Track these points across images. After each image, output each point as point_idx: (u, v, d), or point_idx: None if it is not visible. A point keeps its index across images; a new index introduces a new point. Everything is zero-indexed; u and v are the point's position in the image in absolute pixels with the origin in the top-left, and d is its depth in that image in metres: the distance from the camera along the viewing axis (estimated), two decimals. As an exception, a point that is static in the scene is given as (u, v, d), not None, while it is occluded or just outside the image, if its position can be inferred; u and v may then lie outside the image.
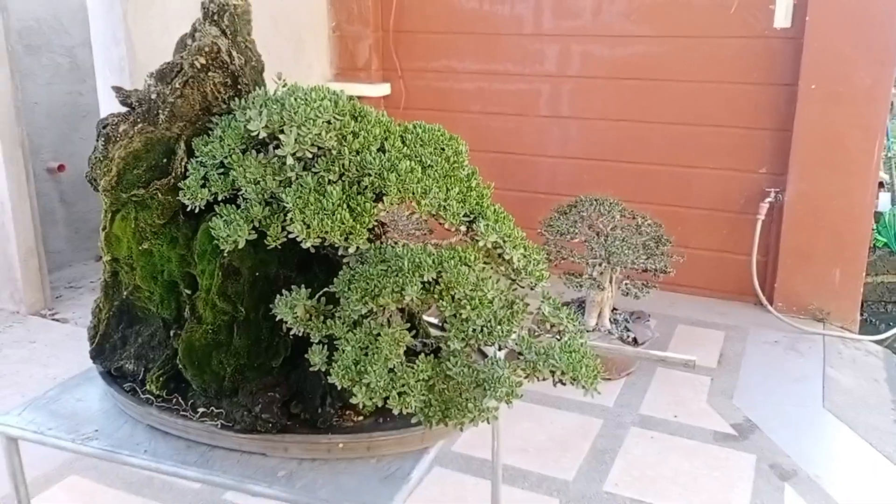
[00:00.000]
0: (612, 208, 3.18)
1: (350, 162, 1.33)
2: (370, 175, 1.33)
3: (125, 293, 1.54)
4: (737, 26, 3.67)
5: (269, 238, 1.30)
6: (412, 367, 1.24)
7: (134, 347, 1.56)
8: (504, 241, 1.35)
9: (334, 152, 1.34)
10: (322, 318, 1.31)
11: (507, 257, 1.36)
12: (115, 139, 1.41)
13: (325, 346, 1.29)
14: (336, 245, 1.29)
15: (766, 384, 3.14)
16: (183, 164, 1.41)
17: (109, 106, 3.31)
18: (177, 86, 1.38)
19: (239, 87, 1.45)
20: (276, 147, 1.38)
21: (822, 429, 2.84)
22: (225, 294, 1.41)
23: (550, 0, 4.00)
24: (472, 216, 1.39)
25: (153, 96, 1.41)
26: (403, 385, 1.22)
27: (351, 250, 1.29)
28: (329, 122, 1.33)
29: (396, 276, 1.26)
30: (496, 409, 1.22)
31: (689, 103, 3.85)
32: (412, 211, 1.35)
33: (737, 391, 3.04)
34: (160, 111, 1.40)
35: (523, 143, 4.24)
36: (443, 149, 1.47)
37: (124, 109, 1.49)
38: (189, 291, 1.49)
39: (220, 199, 1.37)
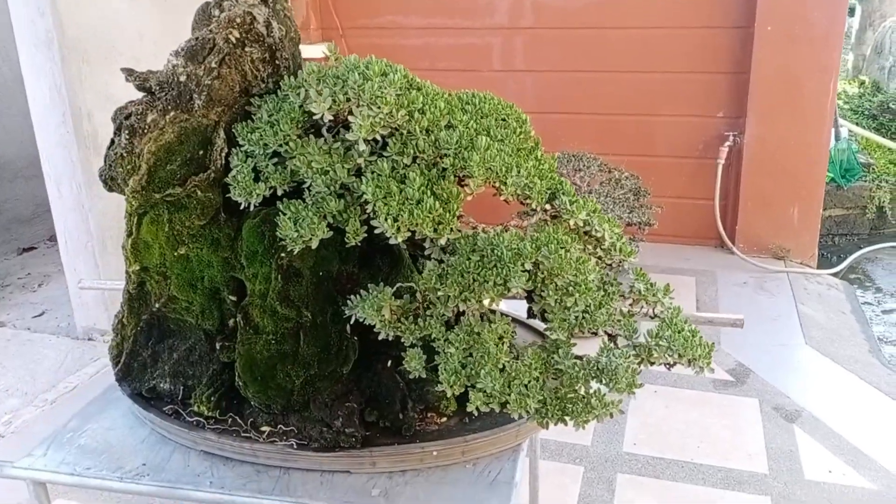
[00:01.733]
0: (591, 164, 3.12)
1: (423, 142, 1.19)
2: (448, 155, 1.19)
3: (156, 305, 1.36)
4: (690, -30, 3.64)
5: (348, 235, 1.16)
6: (525, 365, 1.13)
7: (168, 364, 1.38)
8: (592, 217, 1.25)
9: (405, 132, 1.19)
10: (413, 318, 1.18)
11: (596, 234, 1.27)
12: (141, 131, 1.22)
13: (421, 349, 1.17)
14: (423, 238, 1.16)
15: (747, 326, 3.20)
16: (223, 154, 1.23)
17: (36, 84, 2.98)
18: (213, 65, 1.20)
19: (277, 62, 1.27)
20: (335, 131, 1.22)
21: (810, 366, 2.92)
22: (287, 299, 1.25)
23: (499, -51, 3.85)
24: (552, 192, 1.28)
25: (182, 78, 1.21)
26: (519, 386, 1.12)
27: (441, 241, 1.16)
28: (397, 98, 1.18)
29: (496, 266, 1.14)
30: (620, 402, 1.14)
31: (645, 51, 3.82)
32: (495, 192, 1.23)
33: (722, 336, 3.08)
34: (194, 95, 1.21)
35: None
36: (504, 119, 1.35)
37: (134, 95, 1.28)
38: (234, 298, 1.33)
39: (278, 193, 1.20)
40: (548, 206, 1.25)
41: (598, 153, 3.39)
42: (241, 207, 1.21)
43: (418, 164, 1.19)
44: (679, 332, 1.21)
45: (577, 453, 2.41)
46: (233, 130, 1.23)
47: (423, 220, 1.13)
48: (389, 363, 1.35)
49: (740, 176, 3.84)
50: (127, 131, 1.22)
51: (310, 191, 1.19)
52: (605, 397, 1.14)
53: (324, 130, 1.21)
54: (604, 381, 1.15)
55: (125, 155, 1.24)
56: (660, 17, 3.75)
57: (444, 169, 1.19)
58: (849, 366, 2.93)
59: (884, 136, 4.73)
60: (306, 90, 1.18)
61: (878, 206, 4.33)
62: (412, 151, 1.19)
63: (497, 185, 1.22)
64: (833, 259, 4.15)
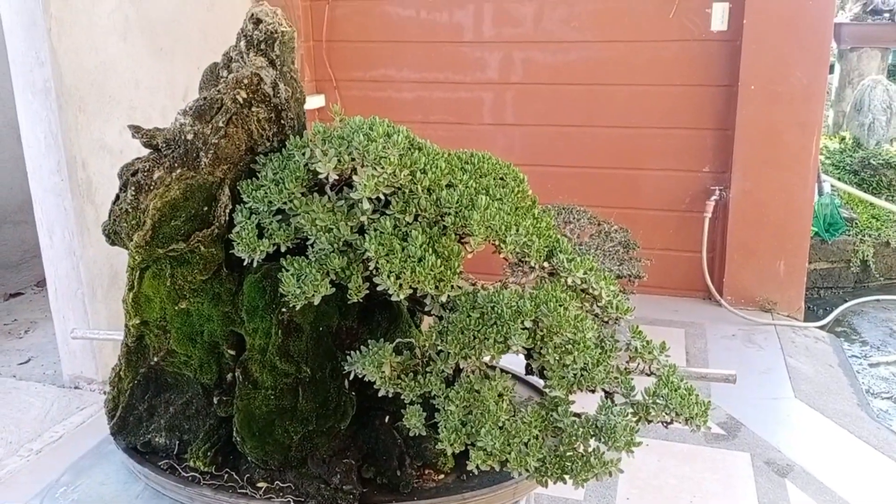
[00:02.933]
0: (581, 216, 3.16)
1: (425, 201, 1.22)
2: (449, 214, 1.22)
3: (154, 359, 1.36)
4: (675, 30, 3.75)
5: (350, 292, 1.17)
6: (525, 423, 1.14)
7: (164, 418, 1.38)
8: (589, 275, 1.28)
9: (407, 191, 1.22)
10: (413, 374, 1.19)
11: (593, 292, 1.29)
12: (147, 188, 1.24)
13: (420, 406, 1.17)
14: (424, 294, 1.18)
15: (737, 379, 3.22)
16: (227, 211, 1.25)
17: (31, 132, 3.00)
18: (220, 124, 1.22)
19: (283, 122, 1.30)
20: (338, 189, 1.25)
21: (800, 419, 2.93)
22: (287, 354, 1.26)
23: (491, 7, 3.95)
24: (550, 250, 1.30)
25: (189, 137, 1.24)
26: (519, 444, 1.12)
27: (443, 299, 1.18)
28: (400, 159, 1.21)
29: (496, 324, 1.16)
30: (619, 460, 1.14)
31: (632, 106, 3.91)
32: (495, 251, 1.25)
33: (713, 389, 3.09)
34: (200, 153, 1.23)
35: (470, 147, 4.17)
36: (502, 178, 1.39)
37: (143, 151, 1.31)
38: (233, 352, 1.33)
39: (281, 249, 1.22)
40: (546, 264, 1.28)
41: (585, 205, 3.44)
42: (245, 263, 1.22)
43: (420, 223, 1.22)
44: (676, 391, 1.23)
45: (570, 508, 2.39)
46: (237, 188, 1.26)
47: (425, 277, 1.15)
48: (387, 419, 1.35)
49: (727, 229, 3.90)
50: (133, 187, 1.24)
51: (313, 247, 1.21)
52: (603, 455, 1.15)
53: (327, 189, 1.24)
54: (602, 440, 1.16)
55: (130, 210, 1.25)
56: (646, 75, 3.85)
57: (445, 227, 1.22)
58: (838, 419, 2.94)
59: (865, 192, 4.83)
60: (311, 150, 1.21)
61: (862, 259, 4.40)
62: (414, 210, 1.21)
63: (497, 242, 1.24)
64: (819, 312, 4.20)
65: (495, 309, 1.17)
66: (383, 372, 1.18)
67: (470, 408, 1.15)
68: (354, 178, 1.19)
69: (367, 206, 1.18)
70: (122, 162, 1.30)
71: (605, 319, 1.33)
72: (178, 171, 1.23)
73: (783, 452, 2.67)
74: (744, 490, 2.50)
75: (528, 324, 1.17)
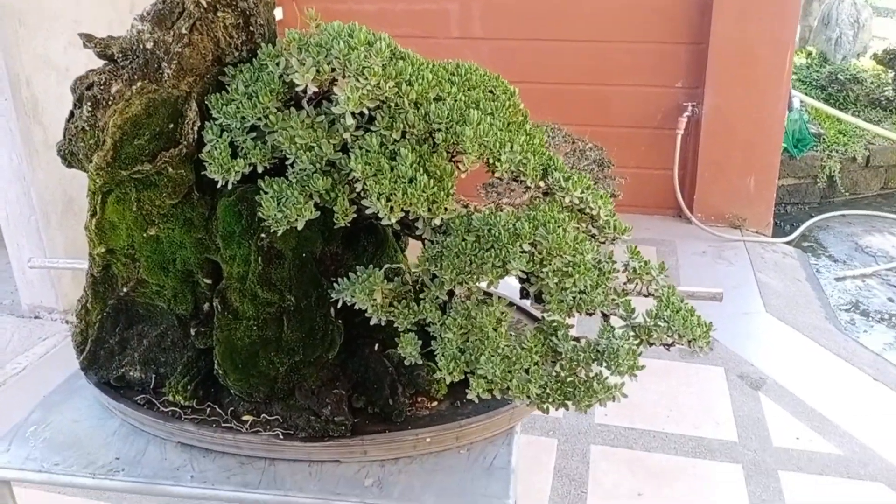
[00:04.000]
0: (556, 134, 3.08)
1: (413, 115, 1.12)
2: (440, 130, 1.13)
3: (124, 290, 1.27)
4: (651, -63, 3.60)
5: (336, 216, 1.09)
6: (525, 349, 1.09)
7: (138, 352, 1.30)
8: (587, 194, 1.21)
9: (393, 105, 1.13)
10: (405, 301, 1.13)
11: (591, 212, 1.23)
12: (105, 103, 1.12)
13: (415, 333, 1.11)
14: (416, 218, 1.10)
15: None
16: (195, 128, 1.15)
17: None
18: (182, 31, 1.10)
19: (252, 29, 1.18)
20: (317, 103, 1.14)
21: (771, 333, 2.97)
22: (269, 282, 1.18)
23: (458, -89, 3.74)
24: (545, 169, 1.23)
25: (149, 45, 1.12)
26: (520, 371, 1.08)
27: (436, 222, 1.10)
28: (384, 69, 1.11)
29: (493, 248, 1.09)
30: (622, 385, 1.11)
31: (604, 20, 3.78)
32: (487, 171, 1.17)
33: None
34: (162, 64, 1.11)
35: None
36: (491, 91, 1.29)
37: (98, 63, 1.18)
38: (209, 281, 1.25)
39: (258, 170, 1.12)
40: (541, 183, 1.21)
41: (556, 122, 3.35)
42: (218, 186, 1.13)
43: (408, 140, 1.13)
44: (677, 312, 1.18)
45: (549, 426, 2.40)
46: (206, 102, 1.15)
47: (417, 199, 1.07)
48: (377, 347, 1.29)
49: (698, 146, 3.86)
50: (89, 103, 1.12)
51: (293, 168, 1.11)
52: (606, 380, 1.11)
53: (305, 103, 1.13)
54: (605, 364, 1.12)
55: (87, 129, 1.14)
56: (620, -15, 3.71)
57: (436, 144, 1.13)
58: (808, 332, 2.99)
59: (832, 107, 4.81)
60: (286, 59, 1.10)
61: (829, 175, 4.42)
62: (401, 126, 1.12)
63: (490, 161, 1.16)
64: (786, 228, 4.23)
65: (492, 231, 1.10)
66: (375, 300, 1.11)
67: (467, 335, 1.09)
68: (335, 90, 1.08)
69: (350, 121, 1.08)
70: (70, 80, 1.17)
71: (603, 240, 1.27)
72: (139, 83, 1.11)
73: (756, 366, 2.70)
74: (719, 404, 2.53)
75: (526, 247, 1.11)
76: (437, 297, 1.12)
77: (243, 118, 1.11)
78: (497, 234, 1.10)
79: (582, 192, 1.20)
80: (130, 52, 1.15)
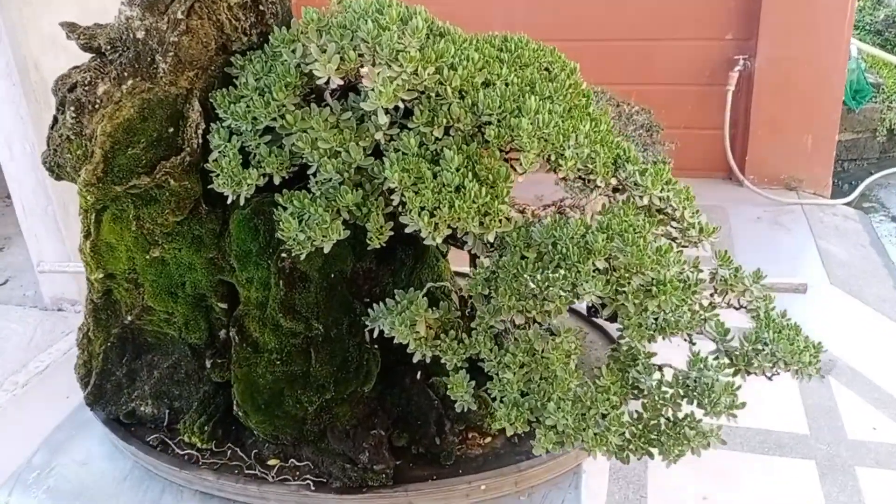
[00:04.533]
0: (599, 98, 2.84)
1: (458, 107, 0.93)
2: (491, 124, 0.93)
3: (128, 317, 1.10)
4: None
5: (371, 238, 0.90)
6: (602, 389, 0.90)
7: (149, 385, 1.14)
8: (667, 191, 1.01)
9: (433, 95, 0.93)
10: (454, 332, 0.94)
11: (673, 212, 1.02)
12: (91, 106, 0.94)
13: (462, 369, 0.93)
14: (465, 233, 0.91)
15: (767, 267, 3.02)
16: (200, 132, 0.96)
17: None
18: (179, 15, 0.91)
19: (261, 8, 0.99)
20: (341, 97, 0.95)
21: (838, 308, 2.74)
22: (292, 309, 1.01)
23: None
24: (615, 162, 1.02)
25: (140, 35, 0.93)
26: (596, 417, 0.89)
27: (490, 237, 0.91)
28: (422, 51, 0.91)
29: (560, 267, 0.90)
30: (720, 428, 0.92)
31: (647, -32, 3.49)
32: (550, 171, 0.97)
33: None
34: (157, 56, 0.93)
35: (466, 22, 3.77)
36: (547, 68, 1.09)
37: (84, 57, 1.00)
38: (224, 306, 1.08)
39: (274, 181, 0.94)
40: (612, 180, 1.01)
41: (596, 84, 3.10)
42: (229, 201, 0.95)
43: (453, 137, 0.93)
44: (780, 332, 0.99)
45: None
46: (210, 100, 0.96)
47: (467, 211, 0.87)
48: (419, 375, 1.12)
49: (751, 103, 3.57)
50: (73, 107, 0.94)
51: (315, 177, 0.93)
52: (700, 424, 0.92)
53: (328, 97, 0.94)
54: (697, 402, 0.93)
55: (73, 137, 0.96)
56: (664, -70, 3.41)
57: (487, 142, 0.94)
58: (877, 306, 2.75)
59: (890, 53, 4.47)
60: (304, 46, 0.91)
61: (889, 128, 4.11)
62: (444, 120, 0.92)
63: (553, 158, 0.96)
64: (844, 187, 3.95)
65: (557, 247, 0.91)
66: (417, 332, 0.93)
67: (530, 374, 0.91)
68: (364, 81, 0.89)
69: (383, 119, 0.89)
70: (82, 61, 0.99)
71: (686, 244, 1.07)
72: (130, 82, 0.93)
73: (824, 347, 2.48)
74: (786, 392, 2.33)
75: (600, 264, 0.91)
76: (492, 328, 0.93)
77: (255, 119, 0.93)
78: (564, 249, 0.90)
79: (662, 190, 1.00)
80: (120, 42, 0.96)
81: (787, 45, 3.46)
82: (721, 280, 1.03)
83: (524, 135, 0.92)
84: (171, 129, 0.96)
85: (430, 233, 0.86)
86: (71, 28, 0.97)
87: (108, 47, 0.96)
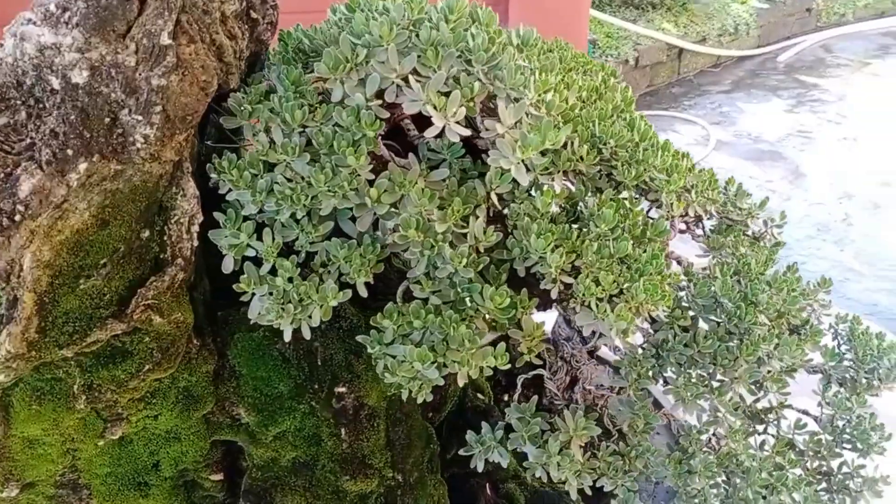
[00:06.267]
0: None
1: (581, 145, 0.67)
2: (619, 162, 0.69)
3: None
4: None
5: (524, 352, 0.61)
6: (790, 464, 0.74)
7: None
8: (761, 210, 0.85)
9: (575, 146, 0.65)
10: (609, 446, 0.70)
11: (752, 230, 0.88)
12: (8, 220, 0.50)
13: None
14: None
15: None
16: (195, 228, 0.58)
17: None
18: (164, 40, 0.51)
19: (254, 16, 0.61)
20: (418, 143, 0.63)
21: None
22: (362, 464, 0.68)
23: None
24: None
25: (78, 78, 0.51)
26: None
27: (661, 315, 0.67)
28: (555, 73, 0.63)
29: (742, 342, 0.71)
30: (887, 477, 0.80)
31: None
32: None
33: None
34: (124, 115, 0.52)
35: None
36: (585, 71, 0.86)
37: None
38: (219, 478, 0.70)
39: (360, 293, 0.60)
40: (711, 209, 0.82)
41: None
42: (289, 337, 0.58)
43: (585, 185, 0.67)
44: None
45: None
46: (213, 169, 0.58)
47: (653, 292, 0.63)
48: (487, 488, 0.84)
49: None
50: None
51: (410, 276, 0.60)
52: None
53: (421, 148, 0.62)
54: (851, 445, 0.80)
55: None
56: None
57: (618, 185, 0.69)
58: None
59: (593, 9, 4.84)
60: (377, 73, 0.57)
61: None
62: (567, 163, 0.66)
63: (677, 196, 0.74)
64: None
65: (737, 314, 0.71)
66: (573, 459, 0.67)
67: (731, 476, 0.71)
68: (483, 122, 0.58)
69: (524, 178, 0.60)
70: None
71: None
72: (84, 165, 0.50)
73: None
74: None
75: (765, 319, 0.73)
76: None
77: (314, 199, 0.56)
78: (734, 308, 0.70)
79: (758, 208, 0.85)
80: (15, 93, 0.52)
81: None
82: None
83: (660, 173, 0.69)
84: (147, 233, 0.56)
85: (626, 328, 0.60)
86: None
87: (22, 103, 0.52)
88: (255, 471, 0.69)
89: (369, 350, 0.60)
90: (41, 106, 0.52)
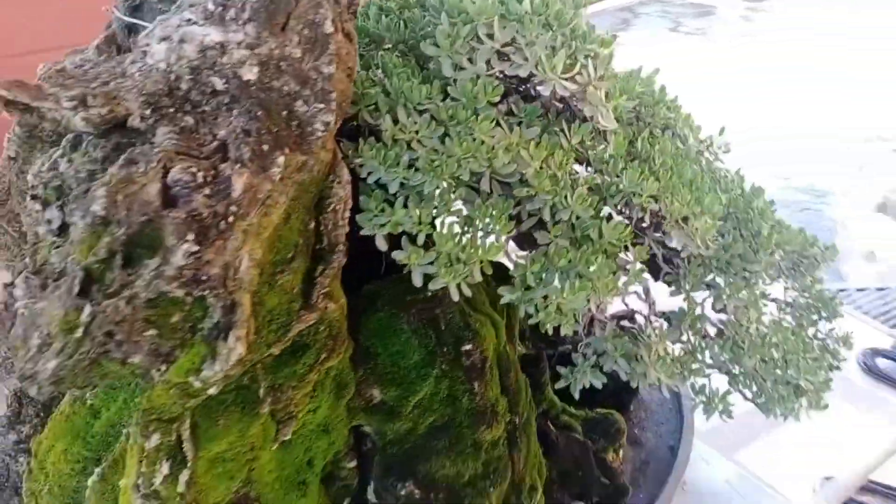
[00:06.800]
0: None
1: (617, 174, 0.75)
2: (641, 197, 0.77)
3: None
4: None
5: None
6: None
7: None
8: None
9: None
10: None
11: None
12: (224, 223, 0.50)
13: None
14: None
15: None
16: (347, 214, 0.60)
17: None
18: (327, 28, 0.53)
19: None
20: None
21: None
22: (492, 411, 0.73)
23: None
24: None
25: (249, 75, 0.51)
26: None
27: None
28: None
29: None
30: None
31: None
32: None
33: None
34: (298, 106, 0.54)
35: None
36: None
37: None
38: (353, 464, 0.72)
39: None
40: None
41: None
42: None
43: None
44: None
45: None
46: (355, 153, 0.60)
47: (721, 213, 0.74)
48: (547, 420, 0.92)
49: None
50: (192, 234, 0.48)
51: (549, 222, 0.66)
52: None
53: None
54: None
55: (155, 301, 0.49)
56: None
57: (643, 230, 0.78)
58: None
59: None
60: (497, 37, 0.62)
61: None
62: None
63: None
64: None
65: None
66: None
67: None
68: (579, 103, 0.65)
69: (613, 123, 0.68)
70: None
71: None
72: (281, 158, 0.51)
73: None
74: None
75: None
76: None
77: (459, 163, 0.60)
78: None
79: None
80: (167, 99, 0.51)
81: None
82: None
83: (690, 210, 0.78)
84: (312, 224, 0.57)
85: (703, 242, 0.71)
86: (17, 87, 0.47)
87: (148, 111, 0.51)
88: (388, 447, 0.71)
89: (508, 297, 0.65)
90: (200, 110, 0.52)
